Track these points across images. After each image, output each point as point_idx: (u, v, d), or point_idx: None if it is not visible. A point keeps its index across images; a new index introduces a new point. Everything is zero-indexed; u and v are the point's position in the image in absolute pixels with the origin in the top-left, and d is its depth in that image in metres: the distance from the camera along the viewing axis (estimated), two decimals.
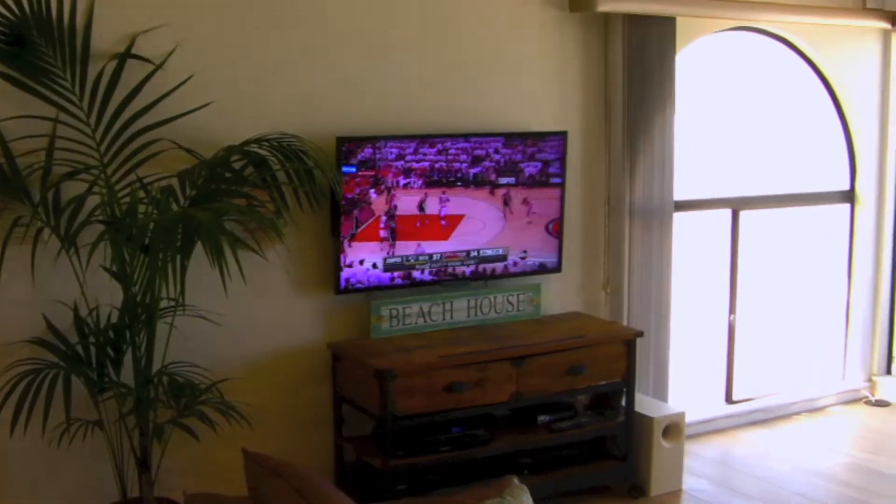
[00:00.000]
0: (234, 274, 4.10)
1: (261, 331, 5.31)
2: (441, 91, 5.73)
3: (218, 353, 5.13)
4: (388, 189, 5.37)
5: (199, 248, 4.11)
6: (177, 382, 4.66)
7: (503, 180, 5.74)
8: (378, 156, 5.29)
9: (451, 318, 5.74)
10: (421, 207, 5.51)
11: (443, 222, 5.60)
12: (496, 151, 5.69)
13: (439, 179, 5.52)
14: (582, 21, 6.20)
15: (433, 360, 5.21)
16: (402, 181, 5.41)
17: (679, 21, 6.40)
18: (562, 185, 5.96)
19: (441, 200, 5.57)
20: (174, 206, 4.51)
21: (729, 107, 7.23)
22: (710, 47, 7.02)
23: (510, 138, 5.74)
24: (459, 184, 5.59)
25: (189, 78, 4.86)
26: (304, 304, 5.42)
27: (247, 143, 4.90)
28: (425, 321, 5.65)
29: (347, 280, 5.34)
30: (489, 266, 5.82)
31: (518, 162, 5.77)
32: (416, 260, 5.56)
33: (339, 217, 5.24)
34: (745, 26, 7.10)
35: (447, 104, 5.75)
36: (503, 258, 5.86)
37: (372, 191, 5.31)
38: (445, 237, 5.63)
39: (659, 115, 6.38)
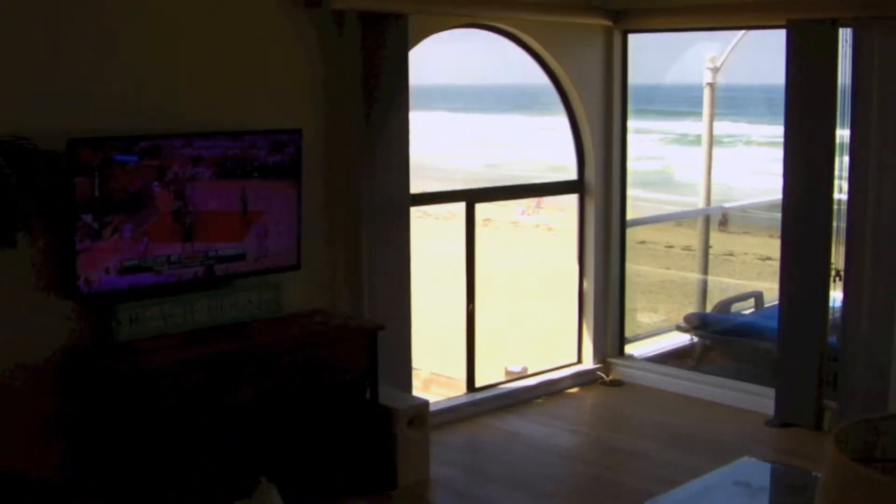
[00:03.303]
0: None
1: None
2: (175, 90, 5.62)
3: None
4: (140, 188, 5.23)
5: None
6: None
7: (240, 179, 5.68)
8: (117, 158, 5.14)
9: (192, 318, 5.64)
10: (173, 209, 5.40)
11: (187, 220, 5.50)
12: (232, 150, 5.62)
13: (173, 179, 5.41)
14: (319, 18, 6.20)
15: (171, 362, 5.12)
16: (141, 183, 5.26)
17: (412, 18, 6.49)
18: (299, 183, 5.95)
19: (178, 200, 5.45)
20: None
21: (469, 101, 7.39)
22: (448, 44, 7.15)
23: (246, 136, 5.69)
24: (197, 184, 5.50)
25: None
26: (41, 310, 5.20)
27: None
28: (165, 323, 5.52)
29: (87, 284, 5.15)
30: (228, 265, 5.75)
31: (255, 160, 5.73)
32: (155, 262, 5.44)
33: (76, 221, 5.06)
34: (477, 23, 7.26)
35: (180, 103, 5.64)
36: (242, 257, 5.80)
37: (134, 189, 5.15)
38: (184, 238, 5.53)
39: (394, 111, 6.46)
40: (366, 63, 6.34)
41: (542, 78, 7.85)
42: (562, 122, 8.08)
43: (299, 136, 5.93)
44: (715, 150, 11.68)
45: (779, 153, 7.23)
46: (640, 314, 10.09)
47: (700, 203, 11.44)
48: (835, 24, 6.70)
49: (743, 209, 19.08)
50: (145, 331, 5.39)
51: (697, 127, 13.87)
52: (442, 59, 7.11)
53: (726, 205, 16.29)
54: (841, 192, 6.81)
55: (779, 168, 7.15)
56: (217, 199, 5.62)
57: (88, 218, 5.10)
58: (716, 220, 15.53)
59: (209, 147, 5.54)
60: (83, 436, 5.24)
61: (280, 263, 5.98)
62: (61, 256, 5.16)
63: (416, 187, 6.77)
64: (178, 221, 5.49)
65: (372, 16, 6.30)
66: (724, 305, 9.70)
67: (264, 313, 5.91)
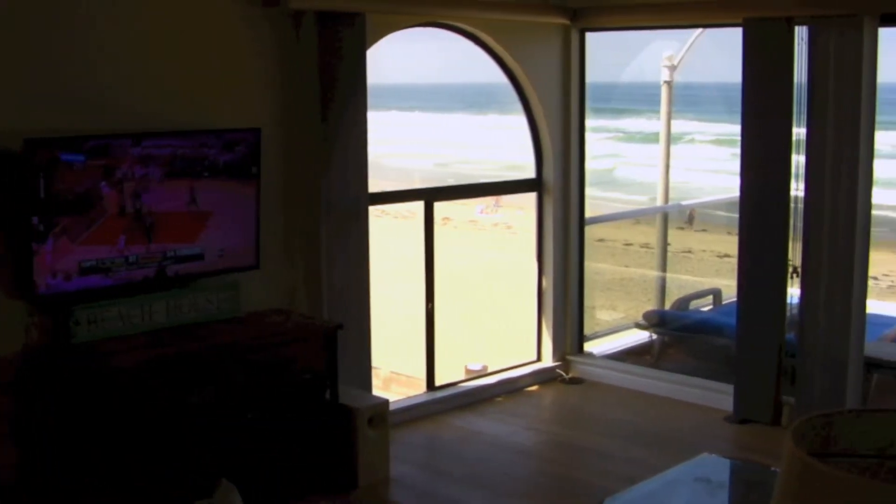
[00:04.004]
0: None
1: None
2: (131, 89, 5.57)
3: None
4: (88, 189, 5.18)
5: None
6: None
7: (196, 179, 5.64)
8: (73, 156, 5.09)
9: (151, 319, 5.59)
10: (122, 209, 5.35)
11: (143, 221, 5.45)
12: (187, 150, 5.58)
13: (132, 179, 5.36)
14: (276, 17, 6.17)
15: (131, 363, 5.07)
16: (90, 183, 5.21)
17: (370, 17, 6.48)
18: (257, 182, 5.92)
19: (138, 201, 5.41)
20: None
21: (426, 101, 7.39)
22: (406, 43, 7.14)
23: (201, 135, 5.65)
24: (156, 183, 5.45)
25: None
26: None
27: None
28: (124, 324, 5.47)
29: (43, 286, 5.09)
30: (187, 266, 5.71)
31: (212, 159, 5.69)
32: (113, 262, 5.39)
33: (31, 220, 5.00)
34: (435, 22, 7.26)
35: (135, 103, 5.59)
36: (200, 257, 5.77)
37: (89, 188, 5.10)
38: (147, 238, 5.48)
39: (352, 110, 6.44)
40: (323, 62, 6.32)
41: (500, 77, 7.86)
42: (520, 120, 8.09)
43: (257, 136, 5.89)
44: (672, 148, 11.72)
45: (736, 151, 7.28)
46: (599, 312, 10.12)
47: (658, 201, 11.49)
48: (790, 23, 6.74)
49: (702, 206, 19.20)
50: (104, 332, 5.35)
51: (655, 125, 13.94)
52: (400, 58, 7.09)
53: (684, 202, 16.36)
54: (798, 189, 6.86)
55: (736, 165, 7.20)
56: (172, 199, 5.58)
57: (35, 220, 5.03)
58: (681, 218, 15.63)
59: (161, 146, 5.48)
60: (42, 438, 5.19)
61: (238, 263, 5.95)
62: (17, 258, 5.10)
63: (371, 187, 6.75)
64: (131, 221, 5.42)
65: (329, 15, 6.28)
66: (683, 302, 9.75)
67: (223, 313, 5.87)
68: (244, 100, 6.12)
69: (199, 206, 5.71)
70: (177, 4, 5.78)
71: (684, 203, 16.30)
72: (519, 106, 8.01)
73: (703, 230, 19.06)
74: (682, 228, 17.21)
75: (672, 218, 12.60)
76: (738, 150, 7.15)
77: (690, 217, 19.02)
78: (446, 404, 7.51)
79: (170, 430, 5.29)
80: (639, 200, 18.77)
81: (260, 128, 5.94)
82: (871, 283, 7.10)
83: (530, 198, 8.29)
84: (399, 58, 7.10)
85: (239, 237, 5.91)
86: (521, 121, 8.09)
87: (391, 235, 7.22)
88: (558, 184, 8.14)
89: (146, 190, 5.44)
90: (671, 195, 11.76)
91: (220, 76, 5.99)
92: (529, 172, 8.19)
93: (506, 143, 7.99)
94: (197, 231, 5.72)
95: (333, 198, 6.43)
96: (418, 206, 7.49)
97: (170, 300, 5.66)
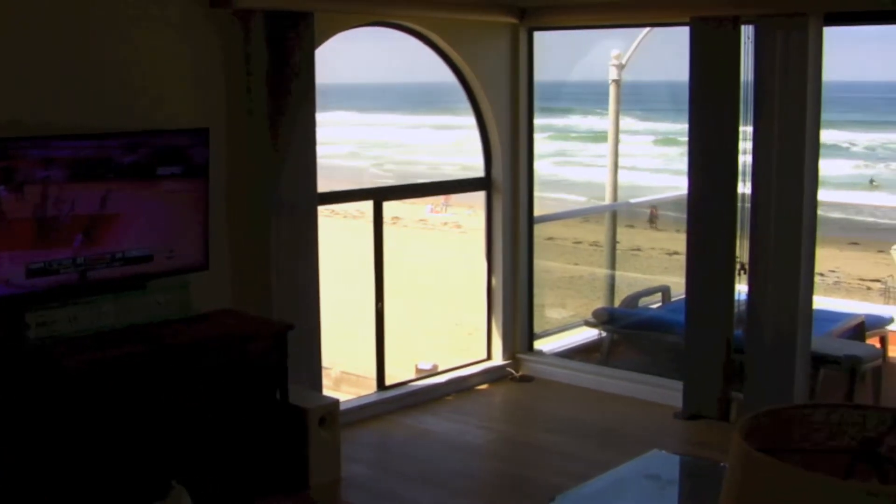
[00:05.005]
0: None
1: None
2: (76, 88, 5.52)
3: None
4: (21, 186, 5.10)
5: None
6: None
7: (146, 180, 5.59)
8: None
9: (100, 321, 5.54)
10: (69, 208, 5.28)
11: (90, 224, 5.40)
12: (139, 150, 5.53)
13: (77, 178, 5.30)
14: (224, 17, 6.13)
15: (81, 365, 5.03)
16: (41, 174, 5.14)
17: (318, 17, 6.45)
18: (206, 183, 5.88)
19: (81, 201, 5.35)
20: None
21: (374, 101, 7.39)
22: (354, 43, 7.12)
23: (149, 136, 5.60)
24: (100, 183, 5.40)
25: None
26: None
27: None
28: (73, 326, 5.42)
29: None
30: (136, 267, 5.65)
31: (161, 160, 5.64)
32: (61, 265, 5.33)
33: None
34: (384, 21, 7.25)
35: (84, 102, 5.54)
36: (149, 258, 5.71)
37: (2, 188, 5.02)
38: (92, 239, 5.42)
39: (301, 110, 6.42)
40: (272, 62, 6.29)
41: (448, 76, 7.86)
42: (468, 120, 8.10)
43: (205, 136, 5.85)
44: (621, 147, 11.79)
45: (684, 149, 7.33)
46: (548, 310, 10.15)
47: (607, 199, 11.55)
48: (737, 22, 6.80)
49: (650, 204, 19.33)
50: (54, 334, 5.29)
51: (603, 123, 14.01)
52: (348, 57, 7.07)
53: (632, 200, 16.48)
54: (745, 186, 6.92)
55: (684, 164, 7.25)
56: (126, 199, 5.52)
57: None
58: (642, 217, 15.75)
59: (104, 147, 5.42)
60: None
61: (188, 264, 5.90)
62: None
63: (320, 187, 6.73)
64: (74, 224, 5.36)
65: (278, 14, 6.25)
66: (632, 300, 9.81)
67: (173, 314, 5.83)
68: (191, 100, 6.07)
69: (147, 207, 5.65)
70: (122, 4, 5.72)
71: (632, 201, 16.42)
72: (468, 105, 8.02)
73: (654, 228, 19.21)
74: (631, 227, 17.34)
75: (622, 216, 12.68)
76: (685, 149, 7.20)
77: (653, 216, 19.15)
78: (397, 404, 7.50)
79: (121, 432, 5.24)
80: (578, 201, 18.88)
81: (208, 128, 5.89)
82: (817, 279, 7.18)
83: (480, 196, 8.30)
84: (348, 58, 7.07)
85: (188, 238, 5.87)
86: (470, 120, 8.09)
87: (341, 235, 7.19)
88: (507, 182, 8.15)
89: (88, 192, 5.37)
90: (620, 194, 11.84)
91: (166, 76, 5.94)
92: (478, 171, 8.20)
93: (455, 142, 7.98)
94: (146, 233, 5.67)
95: (282, 198, 6.40)
96: (368, 206, 7.47)
97: (119, 302, 5.61)
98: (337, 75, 7.08)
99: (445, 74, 7.85)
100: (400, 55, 7.30)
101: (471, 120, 8.07)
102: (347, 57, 7.07)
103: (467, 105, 8.02)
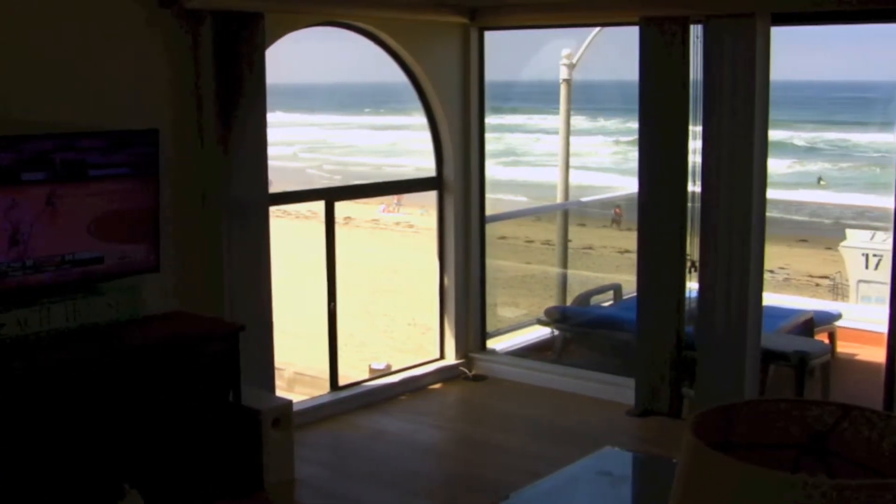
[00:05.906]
0: None
1: None
2: (22, 88, 5.46)
3: None
4: None
5: None
6: None
7: (93, 181, 5.54)
8: None
9: (50, 324, 5.48)
10: (13, 209, 5.23)
11: (34, 225, 5.34)
12: (87, 151, 5.48)
13: (21, 178, 5.24)
14: (171, 17, 6.09)
15: (31, 368, 4.98)
16: None
17: (268, 17, 6.43)
18: (155, 183, 5.84)
19: (26, 202, 5.29)
20: None
21: (323, 101, 7.37)
22: (304, 43, 7.10)
23: (98, 137, 5.55)
24: (45, 185, 5.34)
25: None
26: None
27: None
28: (23, 330, 5.36)
29: None
30: (85, 269, 5.61)
31: (108, 161, 5.59)
32: (9, 267, 5.27)
33: None
34: (334, 21, 7.23)
35: (30, 102, 5.48)
36: (100, 261, 5.67)
37: None
38: (40, 240, 5.37)
39: (251, 110, 6.39)
40: (221, 62, 6.26)
41: (399, 76, 7.86)
42: (419, 119, 8.10)
43: (155, 137, 5.81)
44: (571, 146, 11.83)
45: (634, 148, 7.38)
46: (501, 309, 10.18)
47: (558, 198, 11.59)
48: (686, 22, 6.85)
49: (600, 203, 19.43)
50: (3, 337, 5.22)
51: (554, 123, 14.06)
52: (298, 58, 7.06)
53: (583, 199, 16.54)
54: (695, 185, 6.97)
55: (635, 163, 7.30)
56: (72, 199, 5.47)
57: None
58: (595, 216, 15.81)
59: (52, 148, 5.37)
60: None
61: (139, 266, 5.86)
62: None
63: (271, 188, 6.71)
64: (22, 225, 5.31)
65: (227, 15, 6.22)
66: (584, 298, 9.86)
67: (124, 316, 5.78)
68: (140, 101, 6.02)
69: (96, 209, 5.60)
70: (68, 4, 5.67)
71: (583, 199, 16.47)
72: (419, 105, 8.02)
73: (603, 226, 19.31)
74: (583, 225, 17.41)
75: (574, 215, 12.74)
76: (636, 148, 7.25)
77: (617, 216, 19.22)
78: (350, 404, 7.49)
79: (72, 435, 5.20)
80: (520, 201, 18.94)
81: (157, 129, 5.85)
82: (767, 276, 7.25)
83: (432, 196, 8.30)
84: (299, 58, 7.06)
85: (139, 240, 5.82)
86: (421, 120, 8.10)
87: (292, 235, 7.18)
88: (459, 182, 8.16)
89: (33, 193, 5.32)
90: (571, 193, 11.88)
91: (113, 77, 5.89)
92: (430, 171, 8.21)
93: (405, 142, 8.00)
94: (95, 235, 5.62)
95: (233, 198, 6.38)
96: (319, 206, 7.46)
97: (68, 304, 5.55)
98: (290, 76, 7.05)
99: (397, 75, 7.84)
100: (350, 55, 7.28)
101: (414, 120, 8.05)
102: (300, 57, 7.05)
103: (417, 105, 8.02)
